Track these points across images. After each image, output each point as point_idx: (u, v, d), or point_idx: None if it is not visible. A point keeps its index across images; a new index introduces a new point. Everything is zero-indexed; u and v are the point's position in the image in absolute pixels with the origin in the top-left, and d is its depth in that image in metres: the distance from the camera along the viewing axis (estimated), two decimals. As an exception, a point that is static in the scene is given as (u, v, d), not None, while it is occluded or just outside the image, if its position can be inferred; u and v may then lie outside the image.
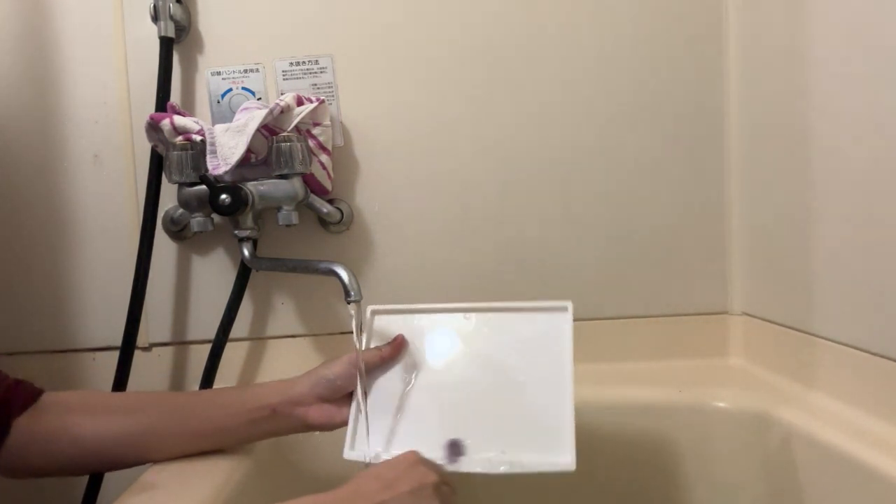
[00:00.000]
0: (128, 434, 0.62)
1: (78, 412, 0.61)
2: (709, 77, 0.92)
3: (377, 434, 0.65)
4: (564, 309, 0.66)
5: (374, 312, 0.72)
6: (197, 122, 0.81)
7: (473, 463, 0.60)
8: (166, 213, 0.88)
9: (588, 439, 0.81)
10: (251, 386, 0.70)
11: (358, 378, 0.66)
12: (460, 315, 0.70)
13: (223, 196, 0.77)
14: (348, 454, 0.64)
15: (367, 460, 0.63)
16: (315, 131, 0.84)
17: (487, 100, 0.91)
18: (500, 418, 0.62)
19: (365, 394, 0.67)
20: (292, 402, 0.65)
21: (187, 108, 0.88)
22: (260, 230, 0.86)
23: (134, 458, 0.63)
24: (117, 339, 0.85)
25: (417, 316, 0.71)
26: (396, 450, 0.62)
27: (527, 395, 0.63)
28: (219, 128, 0.80)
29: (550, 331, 0.65)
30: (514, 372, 0.65)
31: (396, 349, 0.69)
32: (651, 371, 0.90)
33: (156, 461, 0.63)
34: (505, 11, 0.90)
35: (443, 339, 0.69)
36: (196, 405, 0.66)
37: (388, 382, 0.68)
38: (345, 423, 0.66)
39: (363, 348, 0.68)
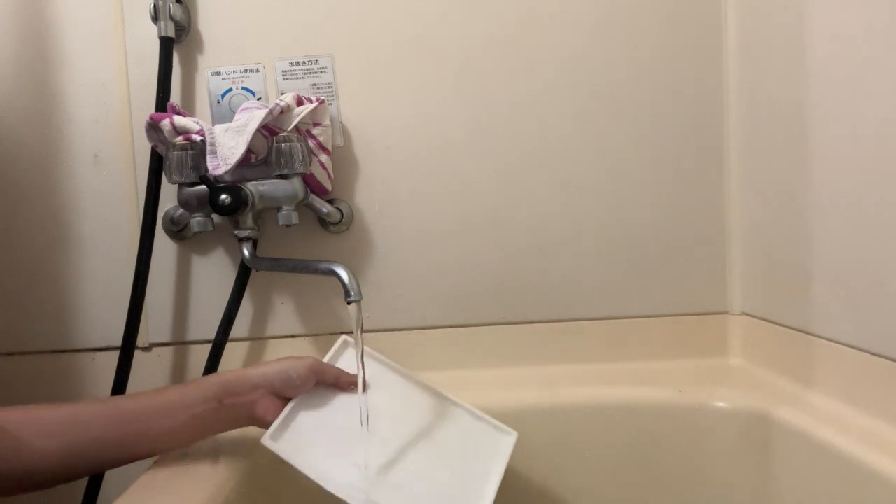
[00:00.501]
0: (70, 453, 0.59)
1: (15, 435, 0.58)
2: (708, 77, 0.92)
3: (301, 437, 0.64)
4: (510, 434, 0.72)
5: (347, 342, 0.75)
6: (197, 122, 0.81)
7: None
8: (166, 213, 0.88)
9: (588, 439, 0.82)
10: (193, 381, 0.67)
11: (359, 372, 0.66)
12: (423, 388, 0.75)
13: (223, 196, 0.77)
14: (267, 442, 0.62)
15: (293, 463, 0.62)
16: (315, 131, 0.84)
17: (488, 100, 0.91)
18: (410, 485, 0.63)
19: (365, 389, 0.68)
20: (239, 393, 0.64)
21: (187, 108, 0.88)
22: (260, 230, 0.86)
23: (82, 472, 0.61)
24: (117, 339, 0.85)
25: (386, 368, 0.75)
26: (309, 458, 0.62)
27: (446, 481, 0.66)
28: (219, 128, 0.80)
29: (493, 445, 0.71)
30: (444, 457, 0.68)
31: (348, 385, 0.70)
32: (651, 371, 0.90)
33: (98, 473, 0.61)
34: (505, 12, 0.90)
35: (399, 396, 0.73)
36: (134, 410, 0.62)
37: (330, 401, 0.69)
38: None
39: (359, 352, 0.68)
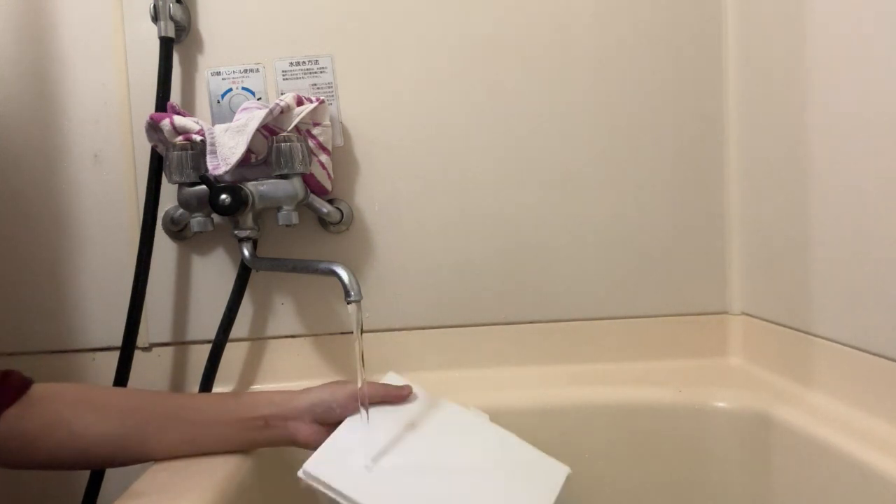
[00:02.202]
0: (120, 434, 0.62)
1: (71, 407, 0.61)
2: (709, 78, 0.92)
3: (341, 461, 0.63)
4: (563, 470, 0.69)
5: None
6: (197, 122, 0.81)
7: None
8: (166, 213, 0.88)
9: (588, 439, 0.82)
10: (246, 394, 0.70)
11: (359, 374, 0.66)
12: (473, 414, 0.72)
13: (223, 196, 0.77)
14: (303, 475, 0.61)
15: (317, 486, 0.61)
16: (315, 131, 0.84)
17: (488, 100, 0.91)
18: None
19: (366, 408, 0.66)
20: (285, 417, 0.65)
21: (187, 108, 0.88)
22: (260, 230, 0.86)
23: (125, 457, 0.63)
24: (117, 339, 0.85)
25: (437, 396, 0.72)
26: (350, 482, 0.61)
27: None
28: (219, 128, 0.80)
29: (543, 476, 0.67)
30: (495, 483, 0.66)
31: (400, 398, 0.69)
32: (651, 371, 0.90)
33: (145, 462, 0.63)
34: (505, 13, 0.90)
35: (449, 422, 0.71)
36: (191, 409, 0.66)
37: (377, 421, 0.67)
38: None
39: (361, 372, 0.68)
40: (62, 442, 0.60)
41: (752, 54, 0.88)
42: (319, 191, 0.87)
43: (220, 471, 0.63)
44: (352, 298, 0.67)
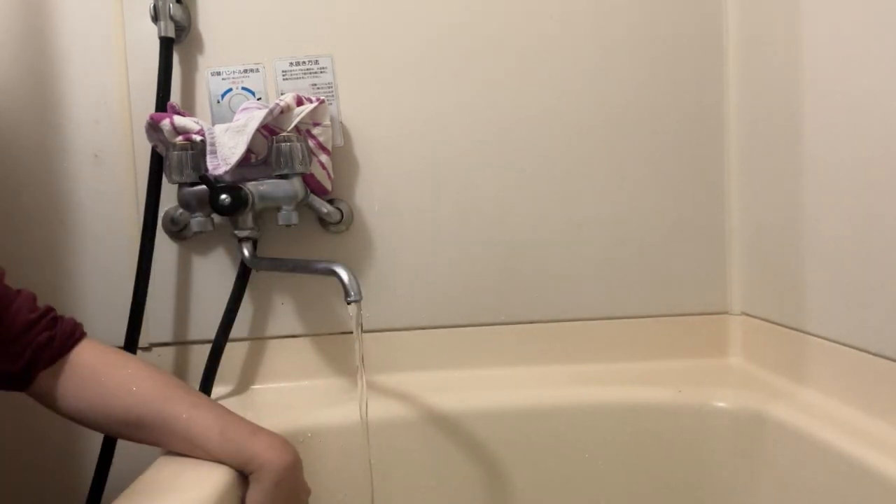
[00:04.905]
0: (122, 418, 0.64)
1: (108, 371, 0.65)
2: (708, 77, 0.92)
3: None
4: None
5: None
6: (197, 122, 0.81)
7: None
8: (166, 213, 0.88)
9: (588, 439, 0.82)
10: (238, 427, 0.68)
11: (359, 370, 0.67)
12: None
13: (223, 196, 0.77)
14: None
15: None
16: (315, 131, 0.85)
17: (487, 100, 0.91)
18: None
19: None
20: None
21: (187, 108, 0.88)
22: (260, 230, 0.86)
23: (152, 427, 0.64)
24: (117, 339, 0.85)
25: None
26: None
27: None
28: (219, 128, 0.80)
29: None
30: None
31: None
32: (651, 371, 0.90)
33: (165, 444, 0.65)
34: (505, 12, 0.90)
35: None
36: (182, 420, 0.64)
37: None
38: None
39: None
40: (93, 403, 0.63)
41: (752, 54, 0.88)
42: (319, 191, 0.87)
43: (221, 470, 0.63)
44: (352, 298, 0.67)
